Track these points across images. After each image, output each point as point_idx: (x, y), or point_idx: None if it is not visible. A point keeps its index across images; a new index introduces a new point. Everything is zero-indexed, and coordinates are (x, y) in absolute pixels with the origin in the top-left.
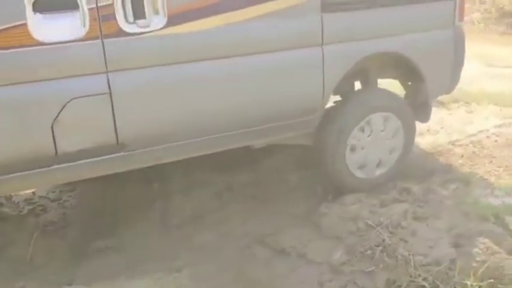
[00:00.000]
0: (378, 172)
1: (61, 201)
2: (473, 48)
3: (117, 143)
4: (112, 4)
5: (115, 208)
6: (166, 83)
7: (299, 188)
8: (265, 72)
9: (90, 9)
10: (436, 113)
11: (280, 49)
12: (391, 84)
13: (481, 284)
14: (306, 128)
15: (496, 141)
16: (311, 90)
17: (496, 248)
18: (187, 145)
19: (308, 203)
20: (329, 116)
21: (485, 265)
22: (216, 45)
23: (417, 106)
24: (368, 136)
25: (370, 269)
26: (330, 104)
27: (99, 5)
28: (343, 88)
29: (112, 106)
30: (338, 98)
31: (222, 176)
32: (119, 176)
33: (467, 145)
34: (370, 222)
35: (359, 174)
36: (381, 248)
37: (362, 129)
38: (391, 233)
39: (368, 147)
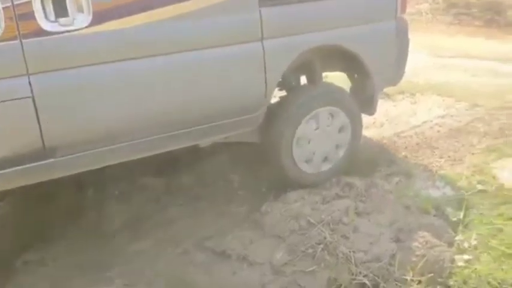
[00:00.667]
0: (324, 167)
1: None
2: (421, 39)
3: (44, 149)
4: (30, 2)
5: (47, 218)
6: (94, 83)
7: (242, 188)
8: (203, 69)
9: (4, 8)
10: (381, 105)
11: (218, 45)
12: (337, 78)
13: (421, 278)
14: (250, 126)
15: (438, 131)
16: (253, 87)
17: (435, 241)
18: (123, 148)
19: (251, 203)
20: (274, 112)
21: (424, 259)
22: (148, 42)
23: (363, 99)
24: (313, 131)
25: (312, 269)
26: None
27: (15, 3)
28: (288, 83)
29: (36, 110)
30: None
31: (162, 178)
32: (52, 183)
33: (411, 136)
34: (311, 220)
35: (305, 168)
36: (322, 246)
37: (307, 125)
38: (332, 230)
39: (314, 142)
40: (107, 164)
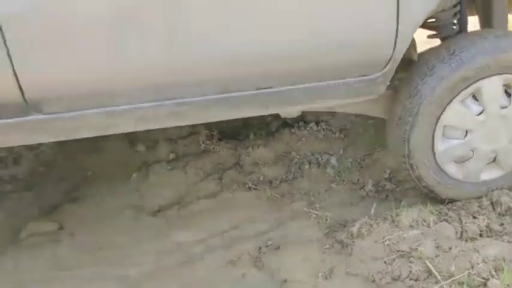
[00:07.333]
0: (488, 174)
1: None
2: None
3: (25, 101)
4: None
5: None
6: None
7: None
8: None
9: None
10: None
11: None
12: None
13: None
14: (368, 93)
15: None
16: (375, 24)
17: None
18: (142, 110)
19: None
20: (413, 69)
21: None
22: None
23: None
24: (475, 116)
25: None
26: None
27: None
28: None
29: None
30: None
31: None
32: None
33: None
34: (431, 268)
35: (453, 172)
36: None
37: (464, 104)
38: None
39: (475, 133)
40: (120, 131)
